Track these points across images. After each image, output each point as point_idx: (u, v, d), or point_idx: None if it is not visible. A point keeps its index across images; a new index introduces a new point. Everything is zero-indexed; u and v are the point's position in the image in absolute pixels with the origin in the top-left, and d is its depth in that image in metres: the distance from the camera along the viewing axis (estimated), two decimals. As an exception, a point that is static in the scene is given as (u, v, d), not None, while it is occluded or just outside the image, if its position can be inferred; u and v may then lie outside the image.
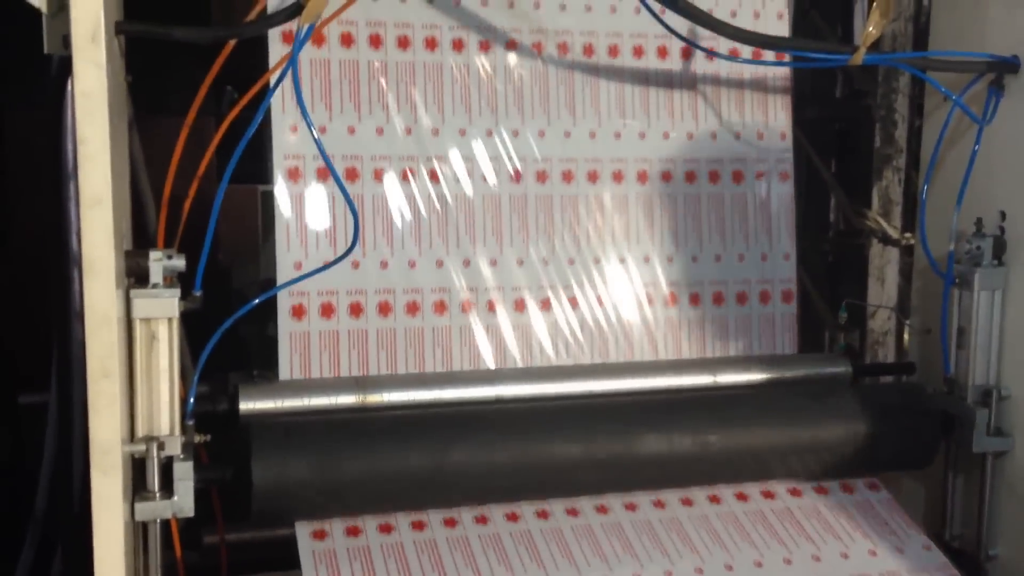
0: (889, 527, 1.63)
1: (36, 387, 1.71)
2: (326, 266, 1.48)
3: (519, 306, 1.67)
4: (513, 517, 1.52)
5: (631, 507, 1.57)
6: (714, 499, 1.61)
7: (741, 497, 1.63)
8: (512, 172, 1.68)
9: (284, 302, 1.57)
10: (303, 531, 1.45)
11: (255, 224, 2.72)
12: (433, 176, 1.65)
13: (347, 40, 1.61)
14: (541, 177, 1.69)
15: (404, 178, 1.63)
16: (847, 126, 2.20)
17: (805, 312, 1.97)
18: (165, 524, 1.42)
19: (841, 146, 2.27)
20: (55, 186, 1.45)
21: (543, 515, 1.53)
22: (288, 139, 1.58)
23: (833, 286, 2.32)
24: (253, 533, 1.73)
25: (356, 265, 1.61)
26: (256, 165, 1.65)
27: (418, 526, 1.48)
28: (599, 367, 1.70)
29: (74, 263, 1.39)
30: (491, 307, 1.65)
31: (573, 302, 1.70)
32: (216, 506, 1.56)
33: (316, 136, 1.39)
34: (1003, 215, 1.69)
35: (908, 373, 1.85)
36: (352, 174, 1.61)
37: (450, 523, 1.49)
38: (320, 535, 1.45)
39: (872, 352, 2.09)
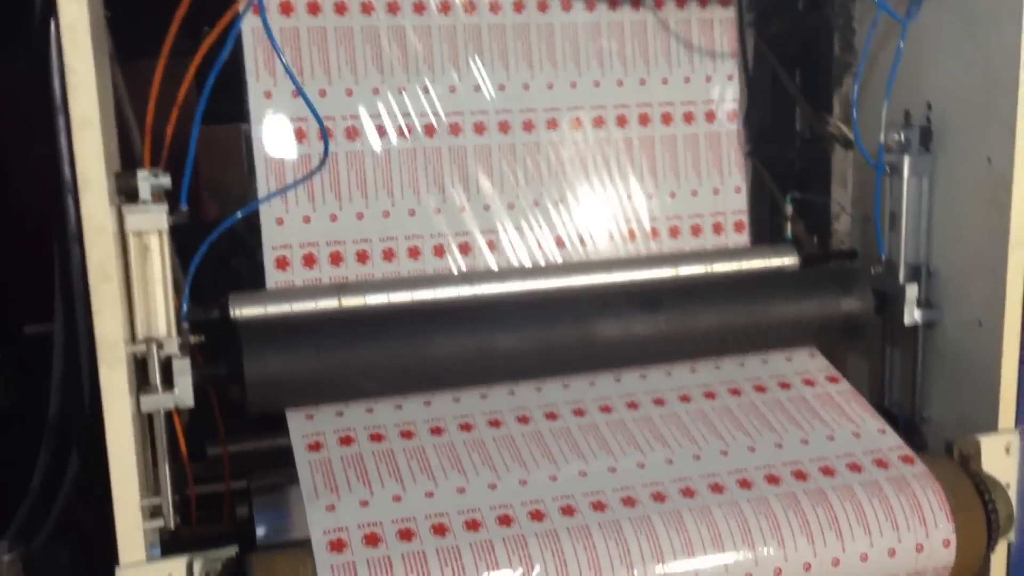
0: (846, 414, 1.74)
1: (39, 319, 1.84)
2: (305, 177, 1.61)
3: (492, 246, 1.80)
4: (496, 423, 1.63)
5: (606, 409, 1.69)
6: (684, 399, 1.73)
7: (709, 395, 1.74)
8: (474, 124, 1.80)
9: (269, 255, 1.70)
10: (294, 416, 1.59)
11: (241, 164, 2.81)
12: (408, 130, 1.76)
13: (314, 9, 1.72)
14: (503, 127, 1.81)
15: (380, 133, 1.75)
16: (809, 36, 2.29)
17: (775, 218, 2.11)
18: (172, 437, 1.55)
19: (804, 57, 2.37)
20: (46, 120, 1.55)
21: (523, 420, 1.64)
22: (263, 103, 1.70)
23: (802, 192, 2.43)
24: (255, 443, 1.89)
25: (334, 218, 1.73)
26: (240, 105, 1.74)
27: (407, 434, 1.59)
28: (565, 266, 1.83)
29: (68, 190, 1.50)
30: (464, 249, 1.79)
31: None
32: (214, 404, 1.70)
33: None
34: (929, 106, 1.81)
35: (851, 259, 1.99)
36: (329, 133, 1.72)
37: (436, 431, 1.61)
38: (310, 415, 1.60)
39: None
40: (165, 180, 1.48)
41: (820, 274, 1.87)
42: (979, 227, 1.73)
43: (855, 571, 1.57)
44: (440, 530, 1.43)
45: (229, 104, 1.73)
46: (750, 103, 2.11)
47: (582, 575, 1.43)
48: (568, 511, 1.48)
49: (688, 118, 1.92)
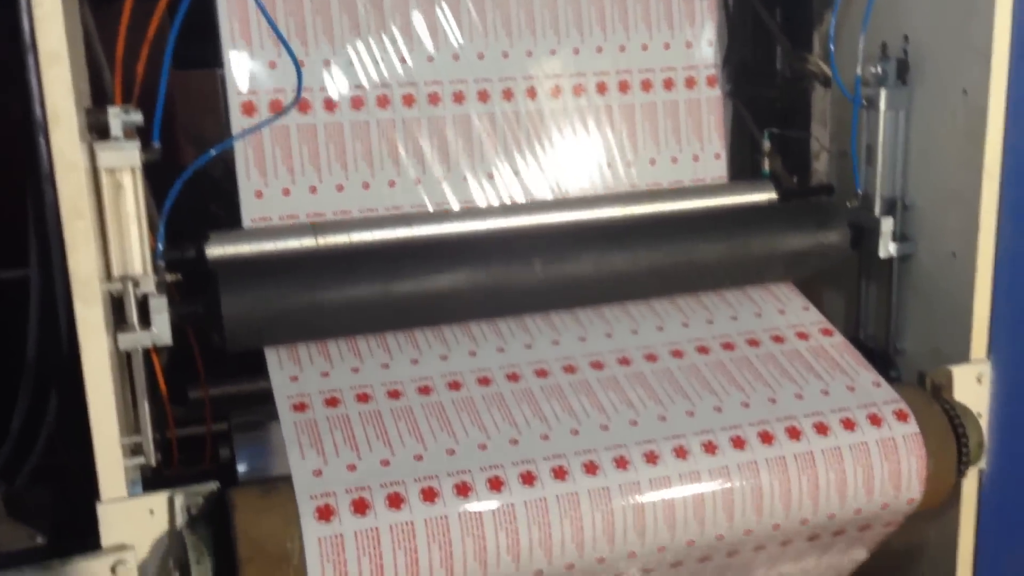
0: (840, 367, 1.73)
1: (14, 264, 1.82)
2: (278, 115, 1.60)
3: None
4: (485, 381, 1.61)
5: (597, 366, 1.66)
6: (677, 354, 1.71)
7: (702, 350, 1.72)
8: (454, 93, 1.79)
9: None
10: (278, 375, 1.58)
11: (218, 109, 2.78)
12: (387, 101, 1.74)
13: None
14: (482, 96, 1.79)
15: (358, 104, 1.72)
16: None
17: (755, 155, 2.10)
18: (151, 377, 1.56)
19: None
20: (16, 64, 1.53)
21: (513, 378, 1.62)
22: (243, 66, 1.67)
23: (782, 131, 2.42)
24: (236, 387, 1.90)
25: (314, 190, 1.70)
26: (216, 50, 1.71)
27: (395, 394, 1.57)
28: (545, 203, 1.83)
29: (39, 130, 1.48)
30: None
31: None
32: (194, 345, 1.70)
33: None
34: (906, 38, 1.81)
35: (828, 194, 1.99)
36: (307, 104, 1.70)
37: (424, 391, 1.58)
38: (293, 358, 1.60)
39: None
40: (136, 117, 1.46)
41: (796, 208, 1.88)
42: (954, 159, 1.73)
43: (819, 526, 1.60)
44: (430, 495, 1.41)
45: (205, 49, 1.71)
46: (730, 43, 2.09)
47: (564, 542, 1.44)
48: (560, 473, 1.47)
49: (668, 84, 1.90)
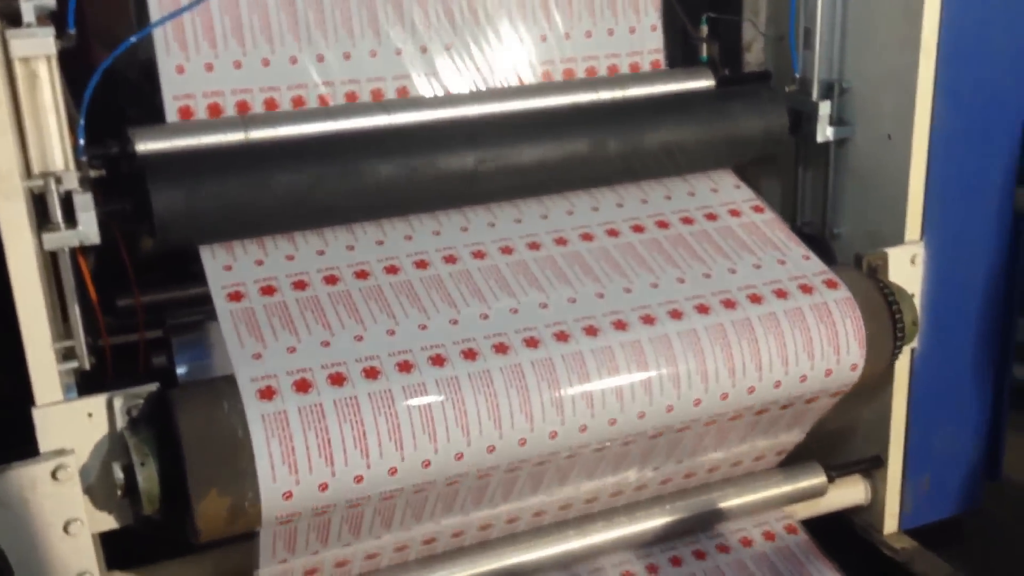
0: (772, 243, 1.75)
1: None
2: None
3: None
4: (422, 265, 1.59)
5: (534, 246, 1.67)
6: (613, 233, 1.72)
7: (637, 229, 1.73)
8: None
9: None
10: (212, 267, 1.54)
11: (128, 9, 2.66)
12: None
13: None
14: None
15: None
16: None
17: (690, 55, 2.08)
18: (81, 283, 1.49)
19: None
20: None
21: (451, 260, 1.61)
22: None
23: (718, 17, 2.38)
24: (168, 294, 1.84)
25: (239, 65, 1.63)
26: None
27: (331, 280, 1.56)
28: (482, 93, 1.77)
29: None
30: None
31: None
32: (122, 247, 1.64)
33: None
34: (845, -86, 1.79)
35: (765, 80, 1.98)
36: None
37: (361, 276, 1.57)
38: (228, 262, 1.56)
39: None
40: (49, 1, 1.37)
41: (734, 94, 1.85)
42: (891, 39, 1.73)
43: (767, 397, 1.63)
44: (372, 373, 1.41)
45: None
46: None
47: (513, 413, 1.45)
48: (501, 348, 1.48)
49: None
